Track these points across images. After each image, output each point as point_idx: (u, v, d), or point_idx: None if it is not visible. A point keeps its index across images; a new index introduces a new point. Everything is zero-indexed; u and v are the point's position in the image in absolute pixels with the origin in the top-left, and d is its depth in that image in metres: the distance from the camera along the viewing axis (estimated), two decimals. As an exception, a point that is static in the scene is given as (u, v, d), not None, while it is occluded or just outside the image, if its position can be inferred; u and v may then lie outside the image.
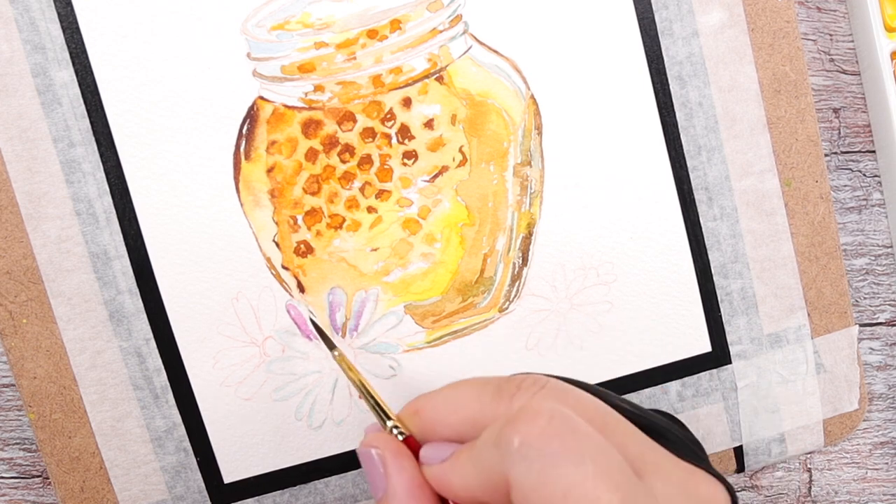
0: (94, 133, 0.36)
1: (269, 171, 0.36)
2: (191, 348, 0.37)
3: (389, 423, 0.27)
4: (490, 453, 0.23)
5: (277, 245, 0.37)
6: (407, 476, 0.26)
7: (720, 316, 0.38)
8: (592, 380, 0.38)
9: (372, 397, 0.30)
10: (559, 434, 0.22)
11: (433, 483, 0.26)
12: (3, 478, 0.39)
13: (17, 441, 0.39)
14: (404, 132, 0.36)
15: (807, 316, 0.38)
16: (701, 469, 0.26)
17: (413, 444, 0.27)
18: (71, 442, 0.37)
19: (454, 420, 0.26)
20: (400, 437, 0.27)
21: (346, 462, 0.38)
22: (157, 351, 0.37)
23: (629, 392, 0.38)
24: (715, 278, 0.38)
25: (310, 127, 0.36)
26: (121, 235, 0.36)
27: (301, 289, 0.37)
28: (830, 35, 0.39)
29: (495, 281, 0.38)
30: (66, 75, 0.35)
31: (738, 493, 0.40)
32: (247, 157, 0.36)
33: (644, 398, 0.38)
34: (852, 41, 0.39)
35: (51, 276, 0.36)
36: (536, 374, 0.26)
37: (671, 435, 0.28)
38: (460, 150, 0.37)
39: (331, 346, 0.35)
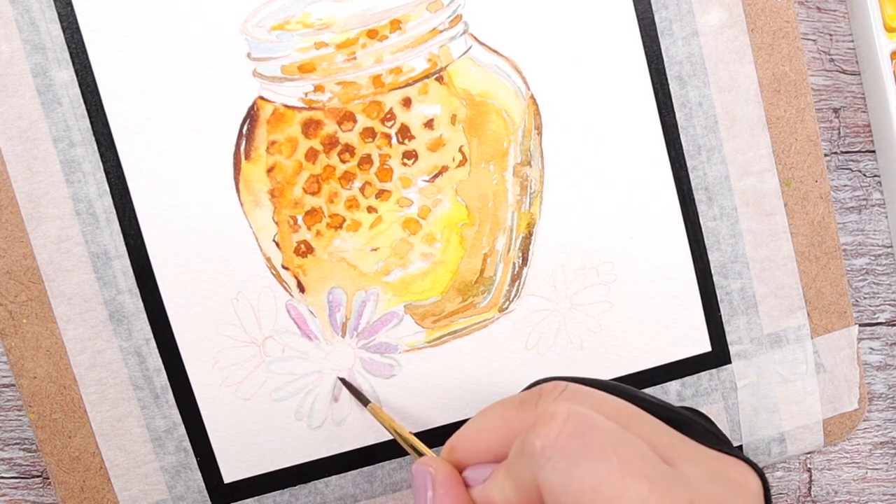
0: (94, 133, 0.36)
1: (269, 171, 0.36)
2: (191, 348, 0.37)
3: None
4: (519, 463, 0.24)
5: (277, 245, 0.37)
6: (454, 496, 0.26)
7: (720, 316, 0.38)
8: (592, 380, 0.38)
9: (412, 444, 0.31)
10: (578, 432, 0.23)
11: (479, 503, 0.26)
12: (3, 478, 0.39)
13: (17, 441, 0.39)
14: (404, 132, 0.36)
15: (807, 316, 0.38)
16: (731, 456, 0.26)
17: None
18: (71, 442, 0.37)
19: (486, 445, 0.26)
20: None
21: (346, 462, 0.38)
22: (157, 351, 0.37)
23: (629, 392, 0.38)
24: (715, 278, 0.38)
25: (310, 127, 0.36)
26: (121, 235, 0.36)
27: (301, 289, 0.37)
28: (830, 35, 0.39)
29: (495, 281, 0.38)
30: (66, 75, 0.35)
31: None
32: (247, 157, 0.36)
33: (644, 398, 0.38)
34: (852, 41, 0.39)
35: (51, 276, 0.36)
36: (556, 381, 0.26)
37: (697, 426, 0.28)
38: (460, 150, 0.37)
39: (364, 401, 0.36)
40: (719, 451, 0.26)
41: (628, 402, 0.26)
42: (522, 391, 0.29)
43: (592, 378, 0.32)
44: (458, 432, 0.27)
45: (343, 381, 0.37)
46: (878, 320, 0.41)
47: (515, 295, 0.38)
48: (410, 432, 0.32)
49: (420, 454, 0.30)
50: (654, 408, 0.27)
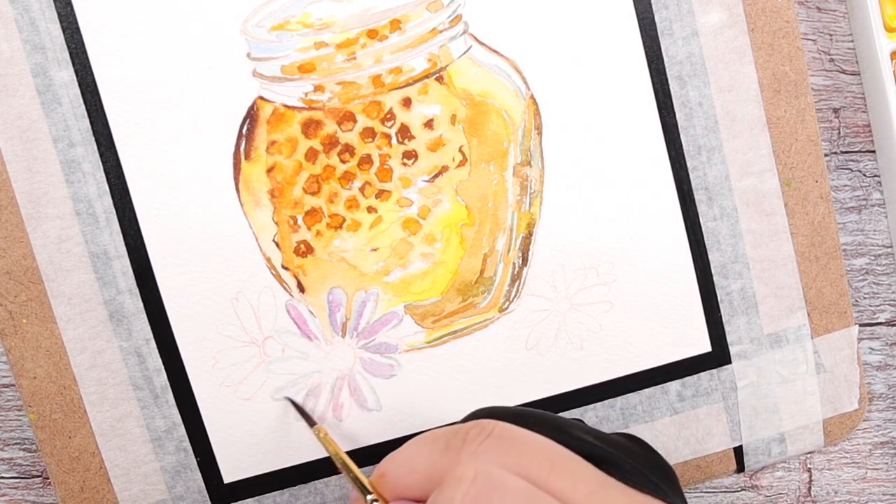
0: (94, 133, 0.36)
1: (269, 171, 0.36)
2: (191, 348, 0.37)
3: (370, 498, 0.29)
4: None
5: (277, 245, 0.37)
6: None
7: (720, 316, 0.38)
8: (592, 380, 0.38)
9: (351, 472, 0.31)
10: (481, 494, 0.23)
11: None
12: (3, 478, 0.39)
13: (17, 441, 0.39)
14: (404, 132, 0.36)
15: (807, 316, 0.38)
16: (657, 498, 0.26)
17: None
18: (71, 442, 0.37)
19: (413, 479, 0.26)
20: None
21: (346, 462, 0.38)
22: (157, 351, 0.37)
23: (629, 392, 0.38)
24: (715, 278, 0.38)
25: (310, 127, 0.36)
26: (121, 235, 0.36)
27: (301, 289, 0.37)
28: (830, 35, 0.39)
29: (495, 281, 0.38)
30: (66, 75, 0.35)
31: (738, 493, 0.40)
32: (247, 157, 0.36)
33: (644, 398, 0.38)
34: (852, 41, 0.39)
35: (51, 276, 0.36)
36: (485, 422, 0.27)
37: (627, 465, 0.28)
38: (460, 150, 0.37)
39: (311, 422, 0.36)
40: (645, 492, 0.26)
41: (558, 440, 0.26)
42: (460, 422, 0.30)
43: (526, 410, 0.33)
44: (389, 458, 0.28)
45: (291, 400, 0.37)
46: (878, 320, 0.41)
47: (515, 295, 0.38)
48: (355, 462, 0.33)
49: (360, 488, 0.30)
50: (583, 445, 0.28)
